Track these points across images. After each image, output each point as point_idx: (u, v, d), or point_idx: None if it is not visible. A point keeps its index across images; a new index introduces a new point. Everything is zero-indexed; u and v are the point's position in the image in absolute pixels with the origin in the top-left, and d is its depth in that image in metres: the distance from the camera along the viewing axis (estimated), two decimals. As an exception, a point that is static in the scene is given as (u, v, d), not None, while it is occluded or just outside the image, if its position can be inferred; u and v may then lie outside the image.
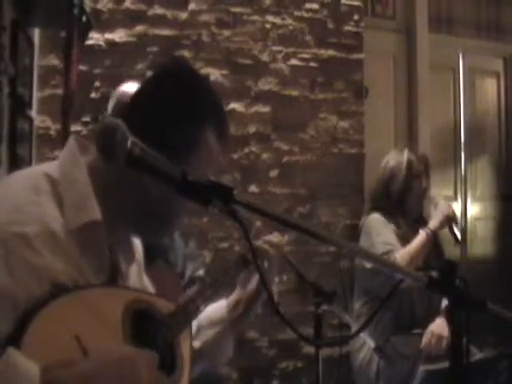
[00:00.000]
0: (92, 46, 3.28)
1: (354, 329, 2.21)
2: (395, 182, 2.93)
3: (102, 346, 1.01)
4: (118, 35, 3.40)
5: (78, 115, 3.14)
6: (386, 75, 4.38)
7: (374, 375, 2.79)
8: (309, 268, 3.45)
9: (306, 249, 3.52)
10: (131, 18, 3.43)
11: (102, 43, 3.36)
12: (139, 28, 3.44)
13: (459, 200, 4.68)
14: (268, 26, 3.73)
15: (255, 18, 3.70)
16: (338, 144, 3.85)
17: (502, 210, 4.85)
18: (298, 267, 1.91)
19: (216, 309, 1.50)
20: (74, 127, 3.03)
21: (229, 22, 3.64)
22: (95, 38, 3.29)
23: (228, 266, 1.49)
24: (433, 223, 2.85)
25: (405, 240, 2.85)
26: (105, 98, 2.18)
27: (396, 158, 2.98)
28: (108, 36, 3.37)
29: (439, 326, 2.75)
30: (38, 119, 3.18)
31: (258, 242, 1.49)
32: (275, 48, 3.74)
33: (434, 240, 2.86)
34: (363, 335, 2.17)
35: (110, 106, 2.16)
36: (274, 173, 3.70)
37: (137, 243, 1.34)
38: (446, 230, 2.88)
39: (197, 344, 1.46)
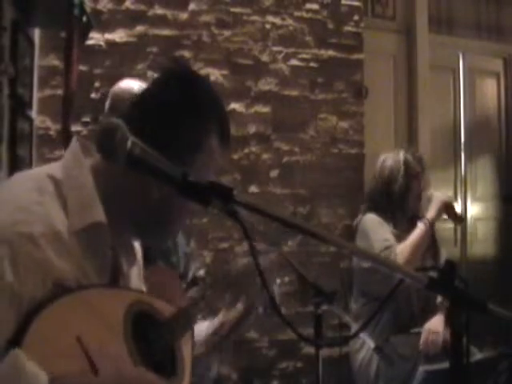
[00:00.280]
0: (92, 46, 3.28)
1: (353, 329, 2.21)
2: (395, 183, 2.92)
3: (113, 363, 1.01)
4: (118, 35, 3.40)
5: (78, 115, 3.14)
6: (386, 75, 4.38)
7: (374, 375, 2.79)
8: (309, 268, 3.45)
9: (306, 249, 3.52)
10: (131, 19, 3.43)
11: (102, 43, 3.36)
12: (139, 28, 3.45)
13: (459, 200, 4.69)
14: (268, 26, 3.73)
15: (255, 18, 3.70)
16: (338, 144, 3.85)
17: (502, 210, 4.85)
18: (298, 268, 1.91)
19: (199, 331, 1.49)
20: (74, 127, 3.03)
21: (229, 23, 3.64)
22: (95, 38, 3.29)
23: (230, 269, 1.49)
24: (430, 213, 2.84)
25: (402, 240, 2.85)
26: (105, 99, 2.18)
27: (393, 158, 2.97)
28: (108, 36, 3.38)
29: (435, 323, 2.78)
30: (38, 119, 3.18)
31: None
32: (275, 48, 3.74)
33: (431, 233, 2.85)
34: (363, 335, 2.17)
35: (107, 104, 2.17)
36: (274, 173, 3.70)
37: (137, 245, 1.34)
38: (444, 231, 2.88)
39: None
